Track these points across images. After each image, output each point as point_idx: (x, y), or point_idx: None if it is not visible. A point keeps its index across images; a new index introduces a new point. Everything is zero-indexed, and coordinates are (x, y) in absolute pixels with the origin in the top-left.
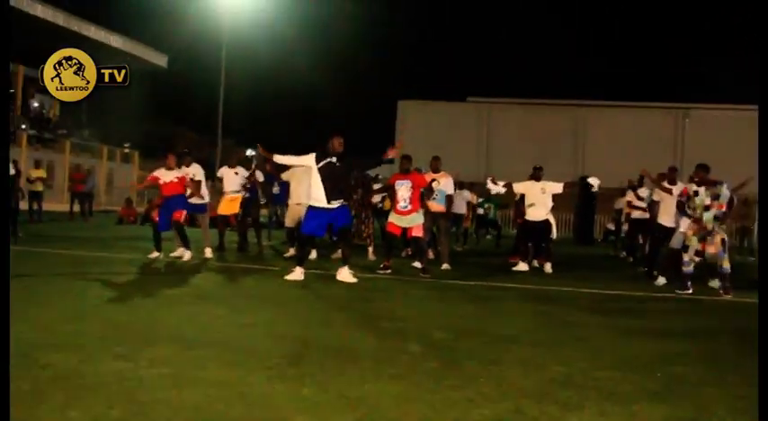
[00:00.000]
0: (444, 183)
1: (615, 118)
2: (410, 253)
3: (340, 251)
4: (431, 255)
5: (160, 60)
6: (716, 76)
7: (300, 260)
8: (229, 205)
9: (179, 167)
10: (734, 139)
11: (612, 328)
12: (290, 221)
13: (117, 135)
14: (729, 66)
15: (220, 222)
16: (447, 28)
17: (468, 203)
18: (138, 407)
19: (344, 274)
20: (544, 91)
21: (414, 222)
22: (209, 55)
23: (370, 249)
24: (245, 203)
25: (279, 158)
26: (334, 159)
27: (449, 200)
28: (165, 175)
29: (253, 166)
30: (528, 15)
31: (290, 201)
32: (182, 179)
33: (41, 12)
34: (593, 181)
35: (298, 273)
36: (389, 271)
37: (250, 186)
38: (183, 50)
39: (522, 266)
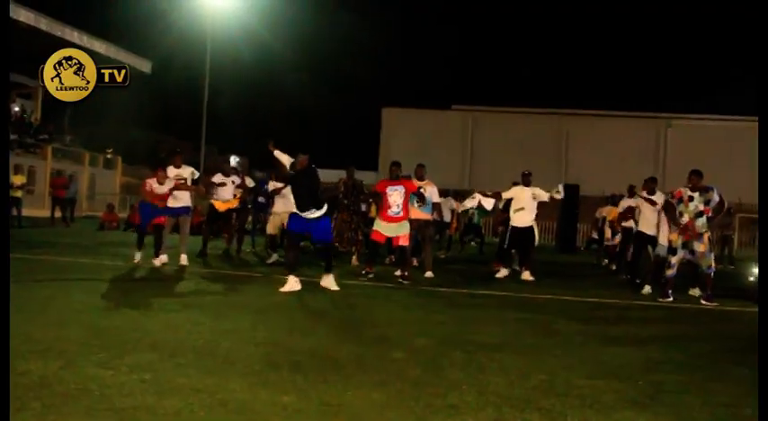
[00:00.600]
0: (431, 191)
1: (598, 127)
2: (393, 260)
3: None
4: (414, 262)
5: (144, 66)
6: (699, 86)
7: (291, 266)
8: (225, 204)
9: (177, 167)
10: (715, 149)
11: (595, 336)
12: (271, 228)
13: (99, 140)
14: (712, 76)
15: (209, 225)
16: (432, 34)
17: (453, 211)
18: (119, 415)
19: (328, 281)
20: (528, 99)
21: (401, 231)
22: (194, 61)
23: (354, 257)
24: (238, 210)
25: (279, 154)
26: (298, 175)
27: (436, 208)
28: (158, 188)
29: (241, 174)
30: (512, 23)
31: (273, 209)
32: (167, 193)
33: (24, 17)
34: (559, 189)
35: (292, 283)
36: (372, 275)
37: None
38: (167, 55)
39: (503, 272)
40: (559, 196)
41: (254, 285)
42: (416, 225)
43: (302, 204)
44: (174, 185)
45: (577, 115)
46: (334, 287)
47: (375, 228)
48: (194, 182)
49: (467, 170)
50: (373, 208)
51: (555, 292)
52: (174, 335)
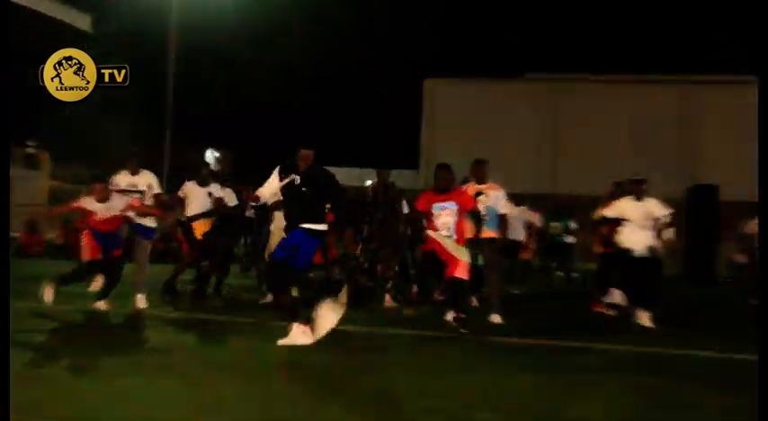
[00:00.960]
0: (494, 198)
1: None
2: (443, 297)
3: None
4: (474, 302)
5: (82, 22)
6: None
7: (292, 312)
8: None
9: (133, 173)
10: None
11: (746, 412)
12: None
13: (17, 130)
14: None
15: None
16: None
17: (530, 226)
18: None
19: (293, 334)
20: (642, 63)
21: (458, 255)
22: (155, 27)
23: (388, 295)
24: (217, 231)
25: (263, 192)
26: (297, 179)
27: (502, 221)
28: (95, 206)
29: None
30: None
31: (273, 227)
32: (118, 215)
33: None
34: None
35: (296, 334)
36: (413, 307)
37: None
38: (121, 10)
39: (609, 311)
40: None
41: (243, 337)
42: (475, 247)
43: (290, 220)
44: (127, 205)
45: (716, 84)
46: (300, 339)
47: (430, 234)
48: (156, 198)
49: (547, 165)
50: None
51: (687, 345)
52: (129, 409)
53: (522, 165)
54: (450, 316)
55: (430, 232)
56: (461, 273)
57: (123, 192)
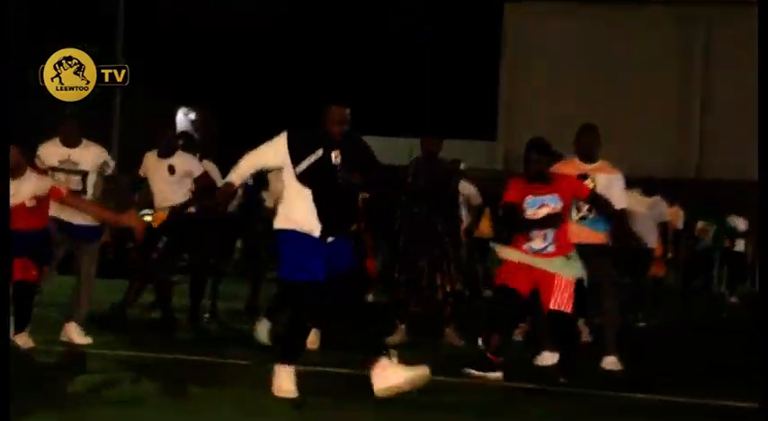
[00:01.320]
0: (605, 184)
1: None
2: (524, 332)
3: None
4: (585, 334)
5: None
6: None
7: (289, 350)
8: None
9: (69, 145)
10: None
11: None
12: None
13: None
14: None
15: (142, 259)
16: None
17: (664, 225)
18: None
19: (389, 377)
20: None
21: (563, 272)
22: None
23: (450, 328)
24: (188, 223)
25: (240, 171)
26: (332, 155)
27: (617, 219)
28: (14, 193)
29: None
30: None
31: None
32: (46, 199)
33: None
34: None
35: (286, 385)
36: (498, 373)
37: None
38: None
39: None
40: None
41: (227, 386)
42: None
43: (330, 220)
44: (46, 193)
45: None
46: (396, 380)
47: (508, 255)
48: (109, 182)
49: (689, 138)
50: (486, 222)
51: None
52: None
53: (650, 134)
54: (545, 359)
55: (507, 252)
56: (561, 301)
57: (55, 171)
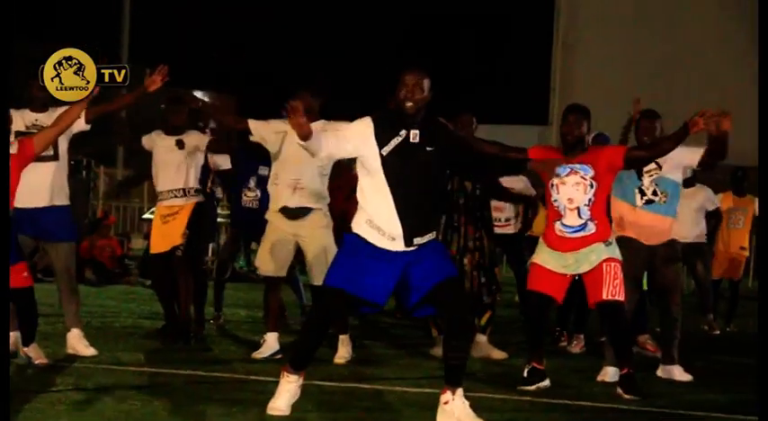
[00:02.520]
0: (673, 163)
1: None
2: (565, 337)
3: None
4: (650, 347)
5: None
6: None
7: (302, 356)
8: (165, 231)
9: (37, 109)
10: None
11: None
12: (264, 261)
13: None
14: None
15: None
16: None
17: (714, 214)
18: None
19: (459, 410)
20: None
21: (595, 260)
22: None
23: (485, 339)
24: (195, 221)
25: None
26: (412, 134)
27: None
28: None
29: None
30: None
31: (270, 210)
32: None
33: None
34: None
35: (278, 402)
36: (544, 382)
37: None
38: None
39: None
40: None
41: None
42: (640, 251)
43: (413, 219)
44: (21, 145)
45: None
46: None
47: (537, 260)
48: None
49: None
50: (542, 214)
51: None
52: None
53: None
54: (606, 373)
55: (541, 258)
56: (614, 292)
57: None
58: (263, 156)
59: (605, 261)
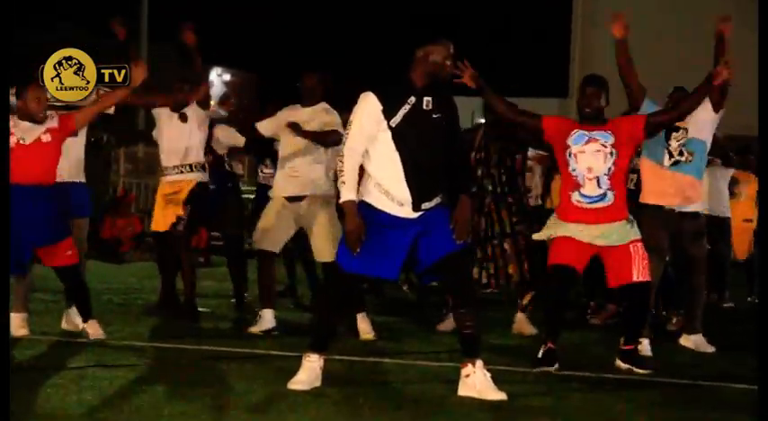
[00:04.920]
0: (701, 121)
1: None
2: (605, 316)
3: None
4: (675, 322)
5: None
6: None
7: (320, 337)
8: (168, 211)
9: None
10: None
11: None
12: (262, 236)
13: None
14: None
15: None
16: None
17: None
18: None
19: (480, 382)
20: None
21: (621, 239)
22: None
23: (522, 314)
24: (196, 200)
25: (349, 172)
26: (424, 102)
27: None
28: (25, 132)
29: (229, 104)
30: None
31: (273, 190)
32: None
33: None
34: None
35: (300, 376)
36: (554, 365)
37: (215, 161)
38: None
39: None
40: None
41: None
42: (665, 223)
43: (423, 184)
44: (62, 120)
45: None
46: (497, 395)
47: (555, 231)
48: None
49: None
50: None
51: None
52: None
53: (739, 92)
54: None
55: (558, 228)
56: (640, 272)
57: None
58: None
59: (632, 242)
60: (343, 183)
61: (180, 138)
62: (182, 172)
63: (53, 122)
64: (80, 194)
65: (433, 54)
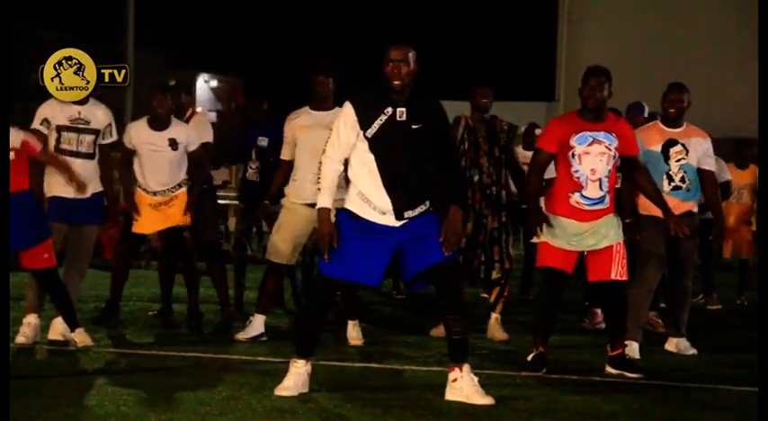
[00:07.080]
0: (704, 153)
1: None
2: (594, 319)
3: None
4: (659, 326)
5: None
6: None
7: (305, 343)
8: (159, 216)
9: (80, 102)
10: None
11: None
12: (280, 249)
13: None
14: None
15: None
16: None
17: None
18: None
19: (467, 387)
20: None
21: (605, 241)
22: None
23: (495, 319)
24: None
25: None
26: (399, 111)
27: (709, 183)
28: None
29: (191, 110)
30: None
31: (288, 198)
32: (24, 151)
33: None
34: None
35: (285, 382)
36: (542, 370)
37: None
38: None
39: None
40: None
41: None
42: (663, 230)
43: (401, 193)
44: (24, 146)
45: None
46: (485, 399)
47: (546, 238)
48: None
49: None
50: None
51: None
52: None
53: (721, 90)
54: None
55: (550, 238)
56: (617, 271)
57: (66, 131)
58: (260, 126)
59: (616, 242)
60: (320, 189)
61: (170, 166)
62: (172, 191)
63: (16, 143)
64: (96, 203)
65: (390, 55)
